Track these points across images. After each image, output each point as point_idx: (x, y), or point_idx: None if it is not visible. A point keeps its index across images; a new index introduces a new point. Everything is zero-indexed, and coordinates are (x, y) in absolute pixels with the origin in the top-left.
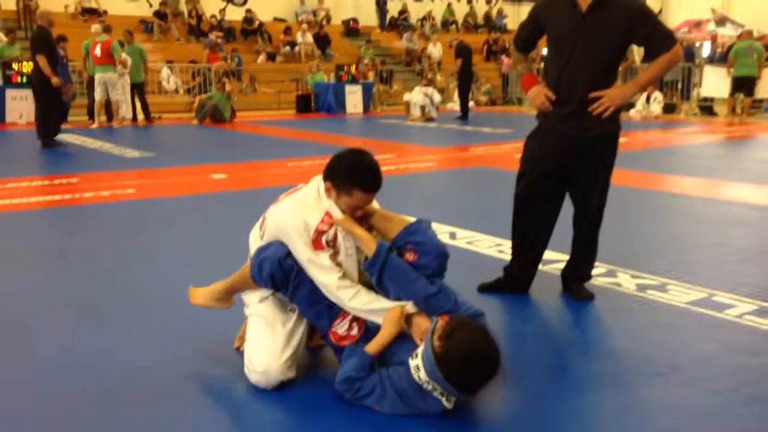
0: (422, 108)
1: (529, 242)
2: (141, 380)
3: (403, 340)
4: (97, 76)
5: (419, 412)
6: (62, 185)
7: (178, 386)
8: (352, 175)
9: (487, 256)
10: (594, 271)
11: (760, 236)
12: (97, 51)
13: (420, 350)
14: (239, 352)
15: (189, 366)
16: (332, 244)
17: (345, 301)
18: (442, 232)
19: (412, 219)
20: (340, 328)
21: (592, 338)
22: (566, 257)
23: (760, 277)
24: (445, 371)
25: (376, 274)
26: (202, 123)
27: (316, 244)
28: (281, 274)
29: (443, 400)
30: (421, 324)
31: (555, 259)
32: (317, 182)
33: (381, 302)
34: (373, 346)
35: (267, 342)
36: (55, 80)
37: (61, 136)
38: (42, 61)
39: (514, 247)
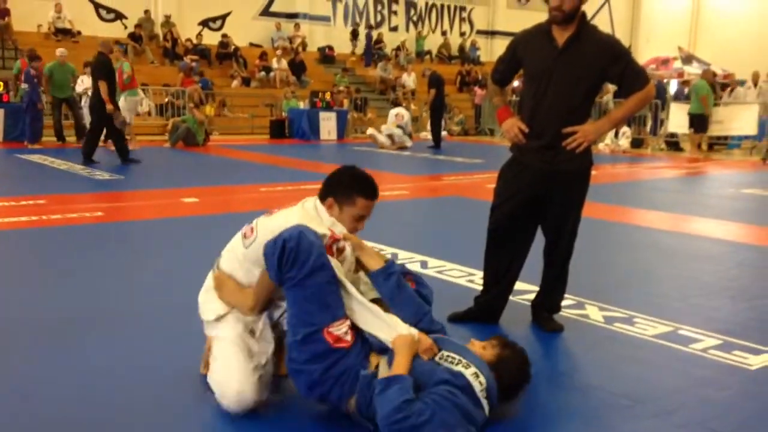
0: (390, 137)
1: (501, 274)
2: (105, 408)
3: (428, 361)
4: (132, 99)
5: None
6: (29, 206)
7: (143, 414)
8: (353, 184)
9: (458, 285)
10: (563, 303)
11: (724, 271)
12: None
13: (466, 361)
14: (205, 377)
15: (154, 391)
16: (341, 251)
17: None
18: (413, 261)
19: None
20: (338, 330)
21: (561, 370)
22: (536, 288)
23: (724, 311)
24: (500, 374)
25: (383, 285)
26: (174, 146)
27: (327, 250)
28: (298, 248)
29: (486, 408)
30: (424, 341)
31: (525, 290)
32: (313, 202)
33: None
34: (401, 369)
35: (237, 363)
36: (109, 107)
37: (31, 157)
38: (103, 87)
39: (485, 278)
